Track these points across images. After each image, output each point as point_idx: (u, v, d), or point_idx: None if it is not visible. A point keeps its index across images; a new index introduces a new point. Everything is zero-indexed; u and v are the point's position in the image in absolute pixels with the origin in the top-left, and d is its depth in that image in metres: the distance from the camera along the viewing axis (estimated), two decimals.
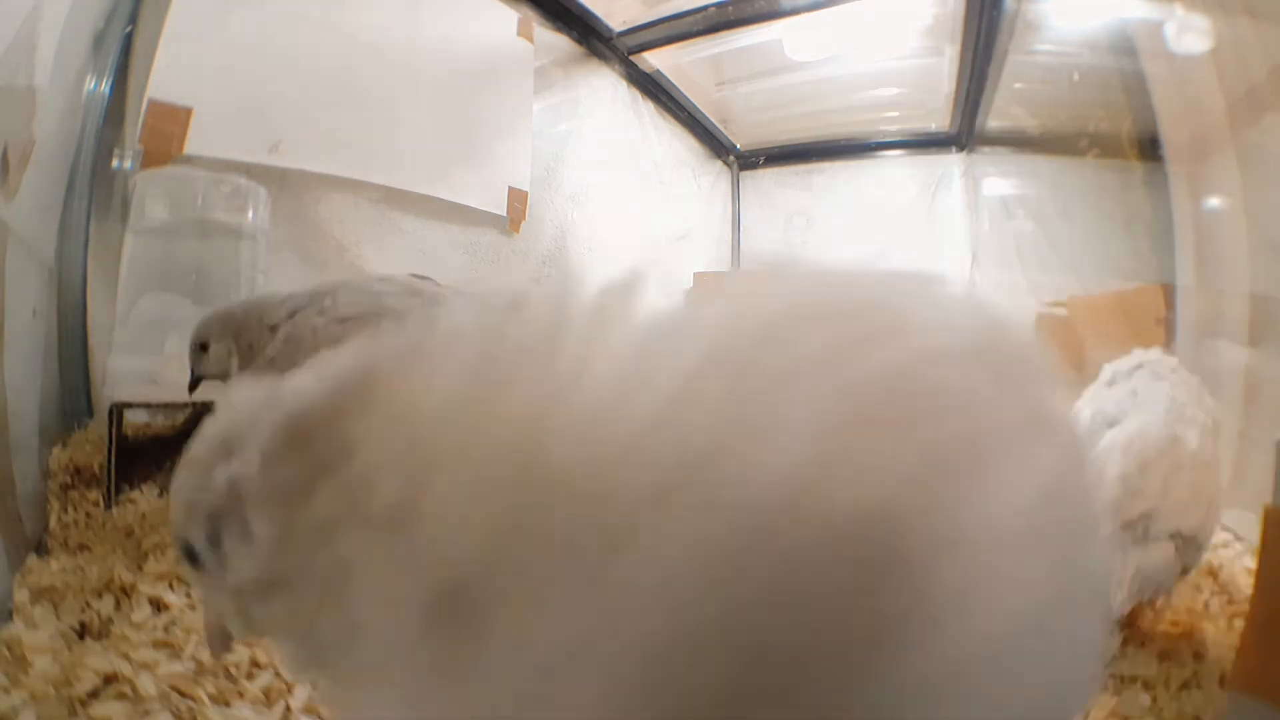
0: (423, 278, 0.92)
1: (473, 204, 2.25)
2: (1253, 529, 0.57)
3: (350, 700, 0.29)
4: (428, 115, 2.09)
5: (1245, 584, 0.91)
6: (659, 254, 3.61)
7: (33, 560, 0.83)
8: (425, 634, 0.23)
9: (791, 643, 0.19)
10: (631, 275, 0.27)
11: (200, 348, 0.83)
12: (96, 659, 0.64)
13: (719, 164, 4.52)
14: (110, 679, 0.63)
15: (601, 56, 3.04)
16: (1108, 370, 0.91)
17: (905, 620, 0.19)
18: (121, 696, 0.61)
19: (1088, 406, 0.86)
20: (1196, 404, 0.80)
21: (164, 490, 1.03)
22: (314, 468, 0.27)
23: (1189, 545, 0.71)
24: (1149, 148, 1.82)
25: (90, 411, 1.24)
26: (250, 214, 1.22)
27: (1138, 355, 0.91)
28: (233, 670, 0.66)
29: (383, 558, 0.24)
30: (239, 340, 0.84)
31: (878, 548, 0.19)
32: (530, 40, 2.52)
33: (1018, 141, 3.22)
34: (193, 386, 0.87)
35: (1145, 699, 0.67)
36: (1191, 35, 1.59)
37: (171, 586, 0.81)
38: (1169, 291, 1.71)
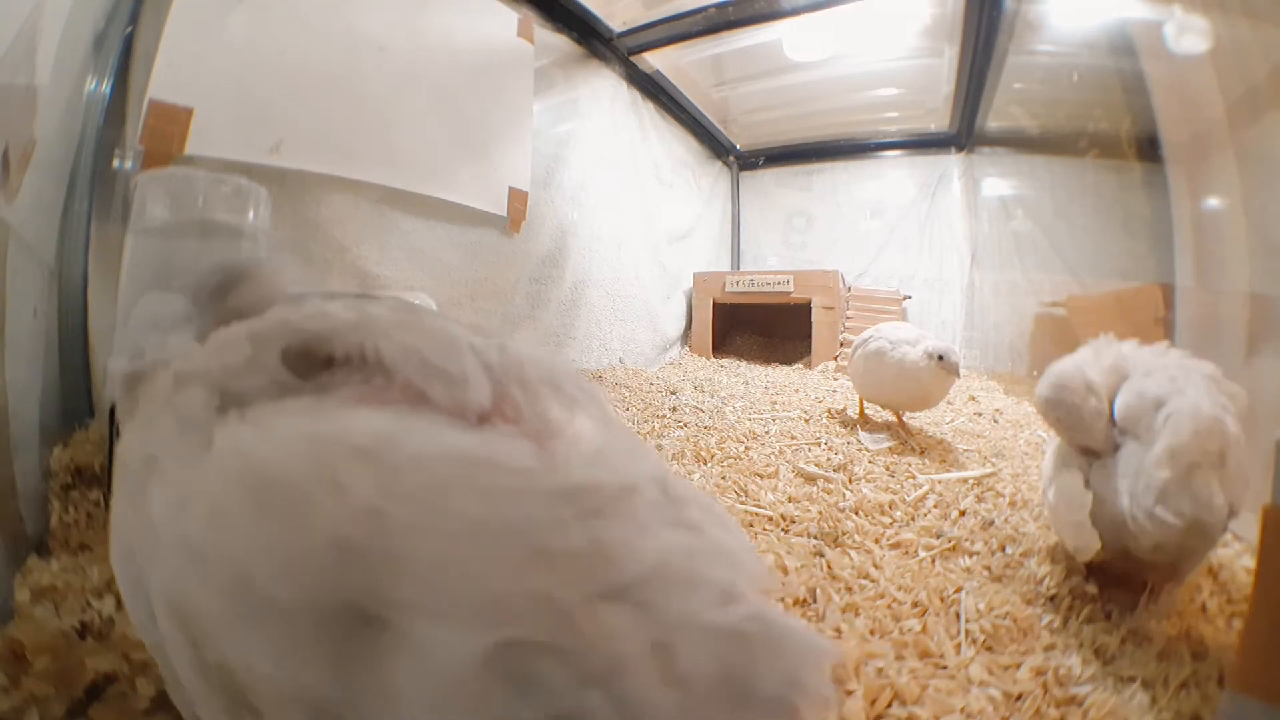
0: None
1: (473, 204, 2.25)
2: (1252, 529, 0.57)
3: None
4: (428, 115, 2.09)
5: (1244, 584, 0.91)
6: (659, 254, 3.62)
7: (33, 560, 0.83)
8: None
9: None
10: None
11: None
12: (96, 659, 0.64)
13: (719, 164, 4.53)
14: (110, 679, 0.63)
15: (602, 57, 3.04)
16: (1140, 365, 0.90)
17: None
18: (121, 696, 0.62)
19: (1130, 395, 0.85)
20: (1224, 389, 0.83)
21: None
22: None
23: (1225, 521, 0.74)
24: (1148, 148, 1.82)
25: (91, 411, 1.24)
26: (251, 214, 1.21)
27: (1158, 351, 0.92)
28: None
29: None
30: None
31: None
32: (530, 40, 2.52)
33: (1017, 141, 3.22)
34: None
35: (1144, 698, 0.67)
36: (1191, 35, 1.59)
37: None
38: (1168, 291, 1.71)
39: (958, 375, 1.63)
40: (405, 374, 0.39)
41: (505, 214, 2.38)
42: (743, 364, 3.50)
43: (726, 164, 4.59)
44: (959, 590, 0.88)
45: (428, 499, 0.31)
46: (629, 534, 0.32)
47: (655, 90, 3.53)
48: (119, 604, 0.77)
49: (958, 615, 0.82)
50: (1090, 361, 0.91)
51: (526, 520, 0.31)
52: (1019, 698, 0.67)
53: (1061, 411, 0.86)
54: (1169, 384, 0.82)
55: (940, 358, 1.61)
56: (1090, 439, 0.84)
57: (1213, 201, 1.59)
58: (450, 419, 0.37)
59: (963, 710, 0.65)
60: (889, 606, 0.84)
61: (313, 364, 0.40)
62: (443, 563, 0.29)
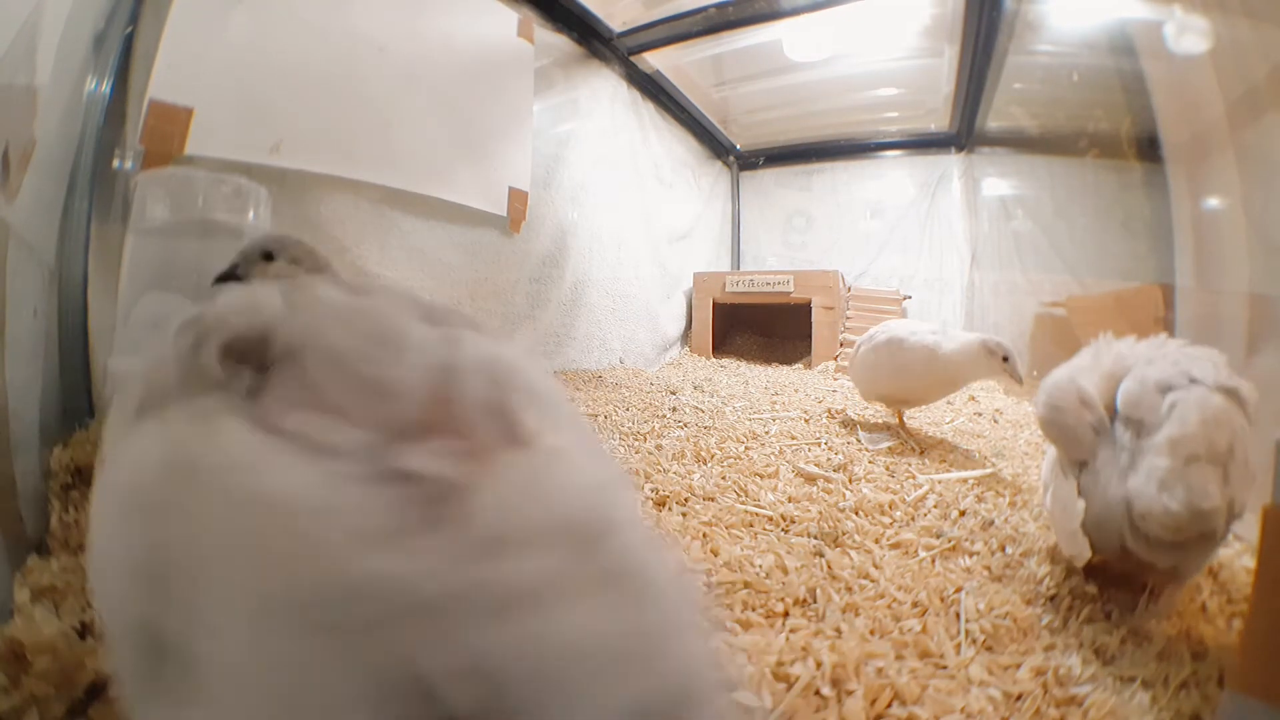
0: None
1: (473, 204, 2.25)
2: (1252, 529, 0.57)
3: None
4: (428, 115, 2.09)
5: (1244, 584, 0.91)
6: (659, 254, 3.62)
7: (34, 560, 0.83)
8: None
9: None
10: None
11: (265, 256, 0.76)
12: (96, 659, 0.64)
13: (719, 164, 4.53)
14: (110, 679, 0.63)
15: (602, 57, 3.04)
16: (1141, 357, 0.89)
17: None
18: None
19: (1132, 382, 0.85)
20: (1232, 378, 0.82)
21: None
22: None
23: (1229, 520, 0.74)
24: (1148, 148, 1.82)
25: (91, 411, 1.24)
26: (251, 214, 1.22)
27: (1158, 342, 0.91)
28: None
29: None
30: (298, 264, 0.81)
31: None
32: (530, 41, 2.52)
33: (1017, 141, 3.23)
34: (223, 279, 0.75)
35: (1144, 698, 0.67)
36: (1191, 35, 1.59)
37: None
38: (1168, 291, 1.71)
39: (1019, 381, 1.48)
40: (323, 383, 0.35)
41: (505, 214, 2.38)
42: (743, 364, 3.50)
43: (726, 164, 4.59)
44: (959, 590, 0.88)
45: (227, 548, 0.28)
46: (433, 651, 0.25)
47: (655, 90, 3.53)
48: None
49: (958, 615, 0.82)
50: (1088, 368, 0.90)
51: (307, 608, 0.25)
52: (1019, 698, 0.67)
53: (1056, 431, 0.87)
54: (1172, 368, 0.82)
55: (1005, 359, 1.48)
56: (1087, 453, 0.84)
57: (1213, 201, 1.60)
58: (370, 433, 0.32)
59: (963, 710, 0.65)
60: (889, 606, 0.84)
61: (261, 357, 0.38)
62: (218, 626, 0.27)
